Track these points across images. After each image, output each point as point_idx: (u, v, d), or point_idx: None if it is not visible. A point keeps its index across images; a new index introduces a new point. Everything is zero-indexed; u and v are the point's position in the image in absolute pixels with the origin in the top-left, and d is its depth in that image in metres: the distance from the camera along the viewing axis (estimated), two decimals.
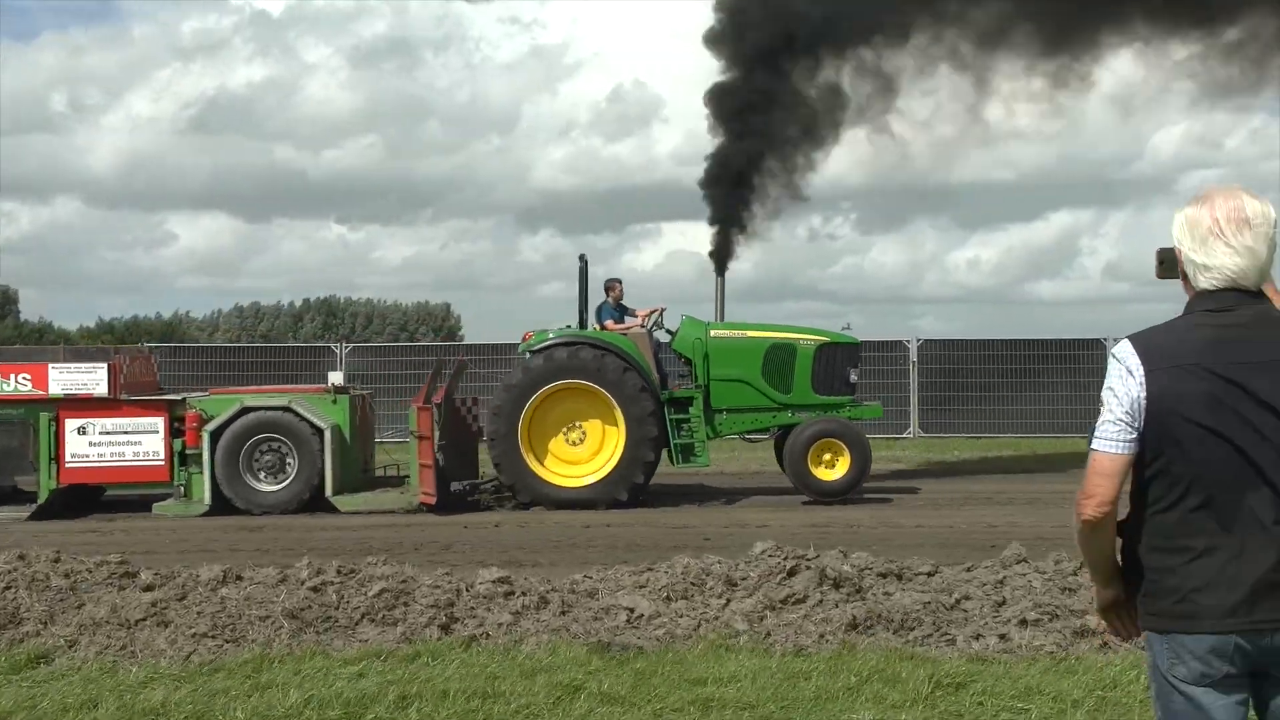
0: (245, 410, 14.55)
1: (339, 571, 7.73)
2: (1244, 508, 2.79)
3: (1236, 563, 2.78)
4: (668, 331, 15.88)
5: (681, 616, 7.23)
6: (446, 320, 75.52)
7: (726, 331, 15.70)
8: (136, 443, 14.44)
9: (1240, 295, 2.87)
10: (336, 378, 15.51)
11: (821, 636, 6.80)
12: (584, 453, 14.92)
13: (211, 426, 14.41)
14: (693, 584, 7.63)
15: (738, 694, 5.85)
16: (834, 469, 14.72)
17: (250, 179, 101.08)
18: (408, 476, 15.65)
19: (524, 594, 7.53)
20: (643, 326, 15.66)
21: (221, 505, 14.31)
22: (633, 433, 14.60)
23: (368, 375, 23.71)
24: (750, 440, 17.08)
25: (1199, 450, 2.81)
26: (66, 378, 14.47)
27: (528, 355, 15.06)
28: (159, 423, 14.50)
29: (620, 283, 15.96)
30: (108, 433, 14.41)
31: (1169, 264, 3.03)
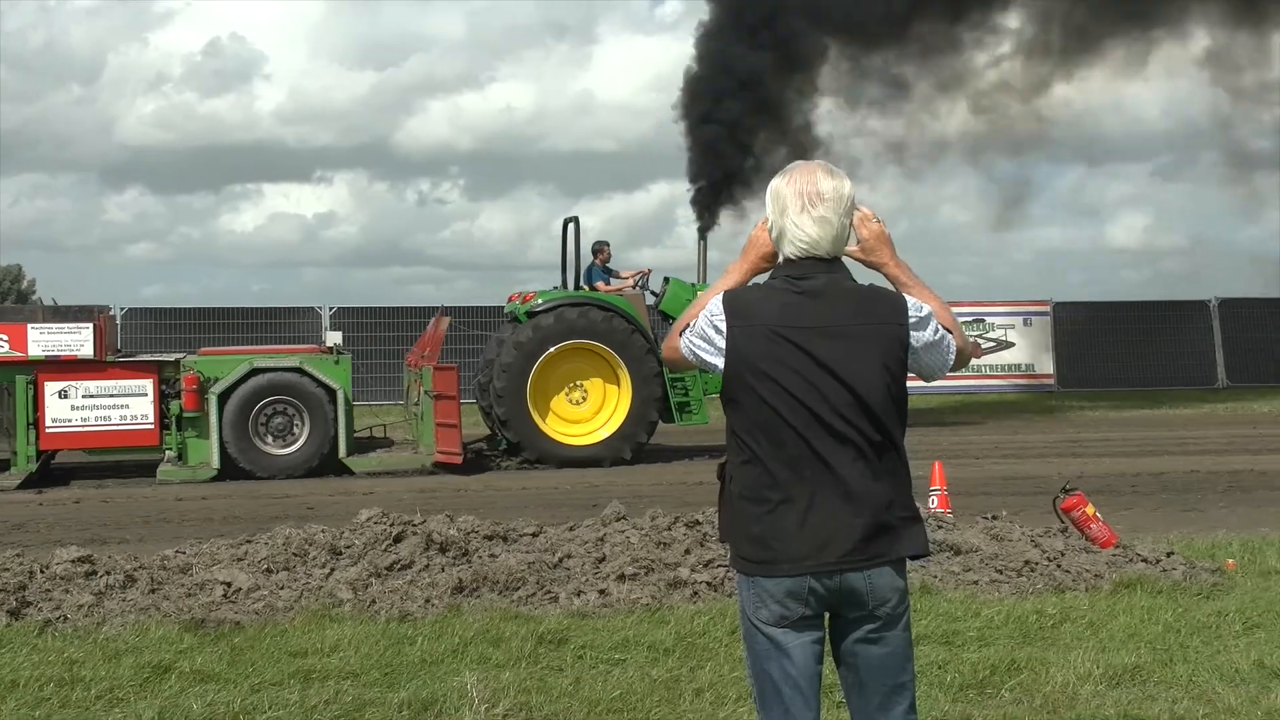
0: (255, 371, 14.04)
1: None
2: (813, 461, 3.03)
3: (809, 511, 3.02)
4: (652, 293, 16.26)
5: (282, 588, 7.01)
6: (17, 283, 68.91)
7: None
8: (123, 406, 13.77)
9: (817, 263, 3.11)
10: (335, 338, 15.04)
11: (427, 601, 6.81)
12: (586, 412, 15.29)
13: (219, 388, 13.85)
14: (295, 555, 7.42)
15: (340, 664, 5.76)
16: None
17: None
18: (394, 440, 15.58)
19: (108, 573, 7.05)
20: (633, 288, 16.05)
21: (228, 469, 13.83)
22: (639, 392, 15.02)
23: None
24: None
25: (773, 405, 3.04)
26: (48, 338, 13.64)
27: (527, 315, 15.02)
28: (148, 385, 13.84)
29: (608, 245, 16.35)
30: (91, 395, 13.67)
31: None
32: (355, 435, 15.30)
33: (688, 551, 7.37)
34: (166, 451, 14.08)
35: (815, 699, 3.08)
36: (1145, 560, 7.42)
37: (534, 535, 7.85)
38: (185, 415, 13.88)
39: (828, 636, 3.13)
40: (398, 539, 7.50)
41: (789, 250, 3.12)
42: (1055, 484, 8.76)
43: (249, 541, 7.71)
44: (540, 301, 15.26)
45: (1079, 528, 7.79)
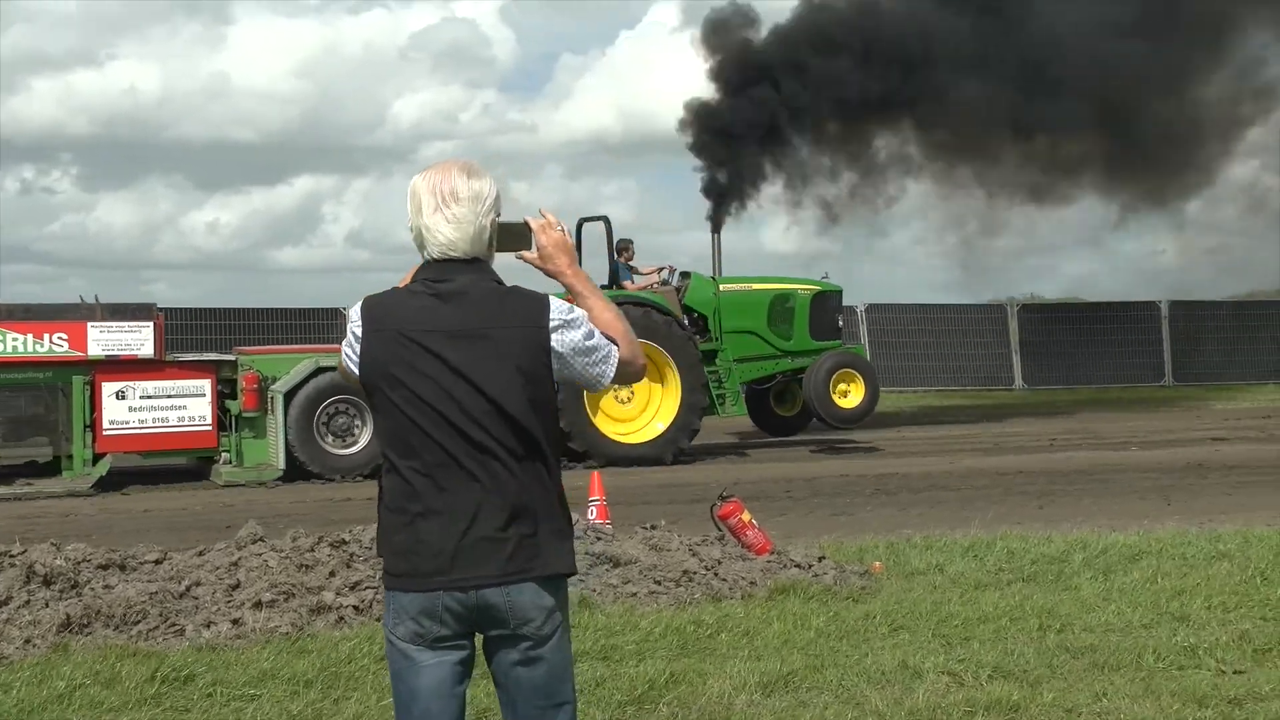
0: (320, 370, 14.16)
1: None
2: (452, 471, 3.02)
3: (446, 522, 3.01)
4: (675, 289, 17.15)
5: None
6: None
7: (734, 286, 17.44)
8: (181, 407, 13.98)
9: (457, 266, 3.10)
10: None
11: (28, 641, 6.28)
12: (632, 410, 16.03)
13: (283, 387, 14.04)
14: None
15: None
16: (847, 398, 16.99)
17: None
18: None
19: None
20: (664, 284, 16.98)
21: (290, 470, 14.11)
22: (687, 386, 15.93)
23: None
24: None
25: (408, 413, 3.03)
26: (108, 337, 13.69)
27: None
28: (205, 385, 14.06)
29: (632, 242, 17.13)
30: (149, 396, 13.78)
31: (509, 237, 3.20)
32: None
33: (333, 574, 7.16)
34: (223, 454, 14.18)
35: None
36: (798, 566, 7.82)
37: (157, 562, 7.40)
38: (245, 415, 14.05)
39: (483, 655, 3.12)
40: None
41: (429, 252, 3.13)
42: (713, 491, 9.11)
43: None
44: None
45: (735, 535, 8.12)
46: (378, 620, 6.66)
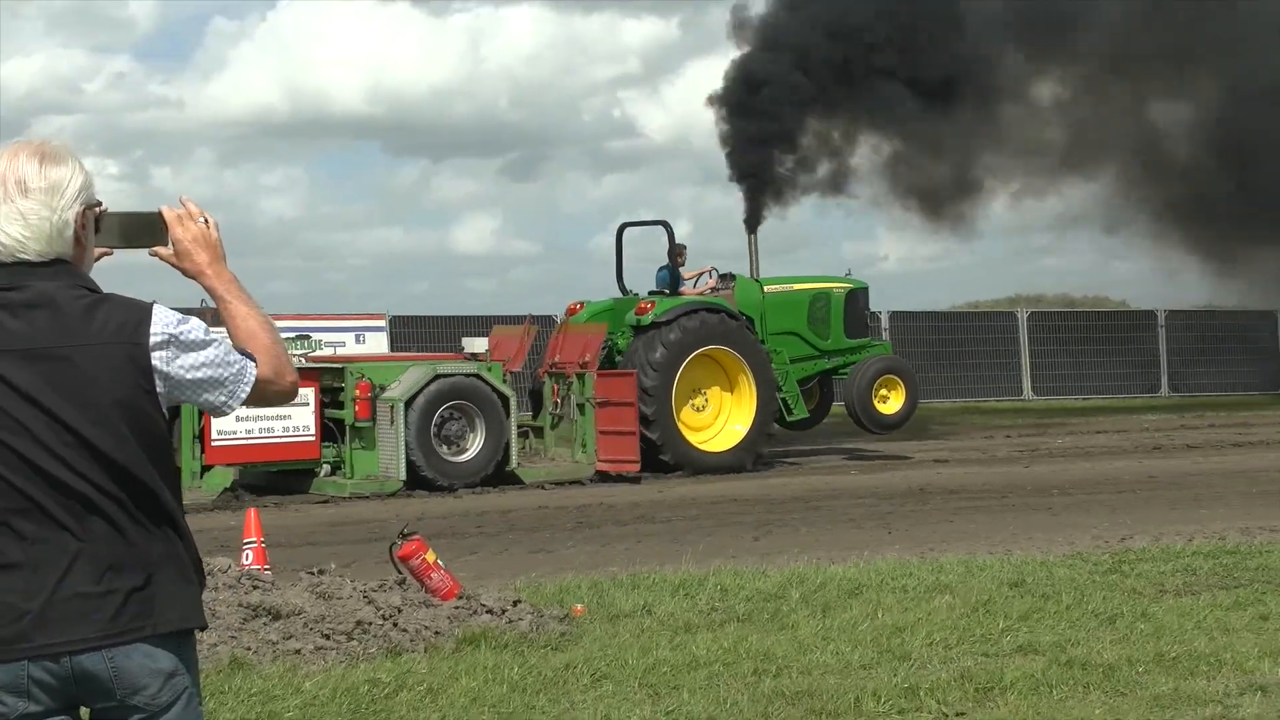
0: (438, 377, 15.42)
1: None
2: (33, 518, 2.82)
3: (29, 578, 2.80)
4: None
5: None
6: None
7: (778, 287, 19.08)
8: (286, 417, 14.69)
9: (32, 270, 2.88)
10: (479, 345, 16.60)
11: None
12: (708, 418, 17.49)
13: (404, 395, 15.11)
14: None
15: None
16: (887, 404, 18.60)
17: None
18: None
19: None
20: (714, 290, 18.60)
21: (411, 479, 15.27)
22: (763, 392, 17.37)
23: None
24: None
25: None
26: None
27: (638, 329, 17.02)
28: (309, 394, 14.73)
29: (685, 247, 18.71)
30: None
31: (139, 229, 3.06)
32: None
33: None
34: (324, 465, 15.21)
35: None
36: (490, 611, 7.75)
37: None
38: (359, 424, 15.21)
39: None
40: None
41: None
42: (392, 528, 8.96)
43: None
44: (663, 311, 17.06)
45: (418, 578, 7.97)
46: None
